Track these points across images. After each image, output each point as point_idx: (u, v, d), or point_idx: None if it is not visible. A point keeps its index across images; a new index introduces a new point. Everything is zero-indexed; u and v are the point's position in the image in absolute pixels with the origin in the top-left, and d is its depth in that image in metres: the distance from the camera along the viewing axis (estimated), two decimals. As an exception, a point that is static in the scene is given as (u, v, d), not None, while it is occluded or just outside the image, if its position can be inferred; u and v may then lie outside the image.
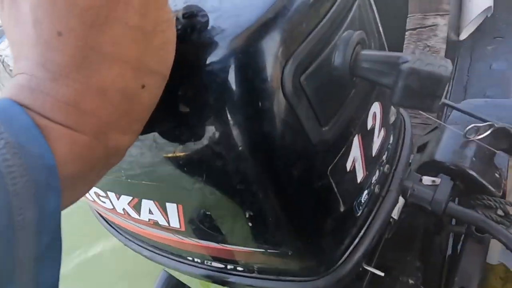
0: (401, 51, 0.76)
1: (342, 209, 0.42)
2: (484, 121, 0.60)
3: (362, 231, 0.48)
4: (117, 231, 0.67)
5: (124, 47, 0.24)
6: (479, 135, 0.59)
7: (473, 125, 0.59)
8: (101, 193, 0.49)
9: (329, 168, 0.38)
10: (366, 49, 0.36)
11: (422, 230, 0.68)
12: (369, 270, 0.55)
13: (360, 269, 0.55)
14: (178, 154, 0.35)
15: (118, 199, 0.48)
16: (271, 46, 0.29)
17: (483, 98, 0.73)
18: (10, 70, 0.52)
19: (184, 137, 0.34)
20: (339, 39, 0.34)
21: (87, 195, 0.53)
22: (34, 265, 0.19)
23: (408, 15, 0.91)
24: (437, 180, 0.55)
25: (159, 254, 0.59)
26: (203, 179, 0.36)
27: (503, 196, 0.65)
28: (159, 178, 0.39)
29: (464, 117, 0.63)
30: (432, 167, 0.60)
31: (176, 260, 0.57)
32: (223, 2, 0.32)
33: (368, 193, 0.47)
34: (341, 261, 0.46)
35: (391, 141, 0.51)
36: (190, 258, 0.55)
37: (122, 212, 0.51)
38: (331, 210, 0.41)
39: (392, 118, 0.50)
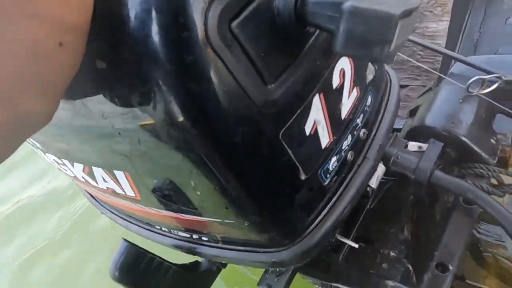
0: None
1: (303, 177, 0.38)
2: (491, 73, 0.53)
3: (332, 201, 0.44)
4: (95, 200, 0.66)
5: (33, 1, 0.20)
6: (484, 89, 0.52)
7: (478, 77, 0.53)
8: (58, 160, 0.47)
9: (281, 132, 0.34)
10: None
11: (415, 201, 0.63)
12: (344, 242, 0.51)
13: (333, 240, 0.51)
14: (108, 118, 0.32)
15: (73, 166, 0.46)
16: (194, 8, 0.24)
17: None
18: None
19: (112, 100, 0.30)
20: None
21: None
22: None
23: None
24: (424, 146, 0.50)
25: (132, 223, 0.58)
26: (139, 145, 0.33)
27: (505, 165, 0.60)
28: (97, 145, 0.36)
29: (465, 74, 0.56)
30: (421, 133, 0.54)
31: (147, 229, 0.55)
32: None
33: (337, 160, 0.42)
34: (307, 232, 0.43)
35: (368, 103, 0.46)
36: (158, 227, 0.53)
37: (83, 180, 0.49)
38: (288, 178, 0.37)
39: (369, 76, 0.45)
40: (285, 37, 0.31)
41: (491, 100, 0.49)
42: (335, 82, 0.38)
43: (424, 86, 0.73)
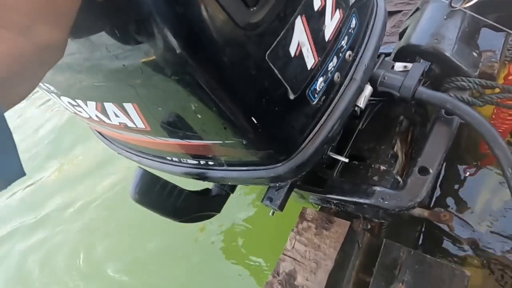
0: None
1: (291, 97, 0.43)
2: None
3: (323, 119, 0.48)
4: (111, 142, 0.71)
5: None
6: (467, 2, 0.54)
7: (460, -7, 0.54)
8: (73, 102, 0.52)
9: (267, 53, 0.37)
10: None
11: (408, 124, 0.67)
12: (337, 159, 0.57)
13: (325, 157, 0.57)
14: (112, 51, 0.36)
15: (86, 105, 0.50)
16: None
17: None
18: None
19: (113, 33, 0.34)
20: None
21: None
22: None
23: None
24: (409, 66, 0.53)
25: (145, 158, 0.64)
26: (141, 74, 0.37)
27: (493, 80, 0.63)
28: (106, 78, 0.41)
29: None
30: (408, 52, 0.57)
31: (159, 162, 0.62)
32: None
33: (324, 81, 0.46)
34: (300, 149, 0.48)
35: (353, 25, 0.48)
36: (169, 158, 0.59)
37: (97, 119, 0.54)
38: (277, 97, 0.41)
39: (351, -1, 0.47)
40: (263, -40, 0.33)
41: (473, 13, 0.51)
42: (316, 4, 0.41)
43: (407, 10, 0.73)
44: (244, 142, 0.44)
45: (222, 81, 0.37)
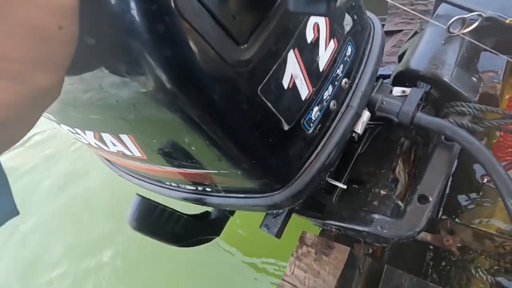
0: None
1: (286, 127, 0.42)
2: (472, 11, 0.53)
3: (319, 148, 0.48)
4: (112, 164, 0.72)
5: None
6: (465, 28, 0.53)
7: (458, 16, 0.53)
8: (72, 130, 0.53)
9: (259, 87, 0.37)
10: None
11: (411, 145, 0.67)
12: (335, 185, 0.56)
13: (323, 183, 0.56)
14: (105, 88, 0.36)
15: (85, 134, 0.51)
16: None
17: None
18: None
19: (104, 72, 0.34)
20: None
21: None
22: None
23: None
24: (407, 90, 0.53)
25: (145, 181, 0.64)
26: (134, 110, 0.37)
27: (496, 101, 0.62)
28: (101, 112, 0.41)
29: (451, 14, 0.57)
30: (406, 77, 0.56)
31: (158, 186, 0.62)
32: None
33: (320, 110, 0.46)
34: (296, 177, 0.48)
35: (349, 53, 0.48)
36: (168, 183, 0.59)
37: (96, 146, 0.55)
38: (272, 129, 0.41)
39: (347, 27, 0.47)
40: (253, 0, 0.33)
41: (471, 39, 0.50)
42: (310, 37, 0.41)
43: (407, 29, 0.73)
44: (239, 173, 0.44)
45: (213, 115, 0.37)
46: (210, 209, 0.69)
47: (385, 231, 0.49)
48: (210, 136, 0.38)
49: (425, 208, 0.49)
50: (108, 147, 0.52)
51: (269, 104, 0.39)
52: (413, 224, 0.48)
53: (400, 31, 0.77)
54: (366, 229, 0.50)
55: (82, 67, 0.35)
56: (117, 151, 0.52)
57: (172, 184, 0.59)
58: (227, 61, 0.33)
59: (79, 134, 0.53)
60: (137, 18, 0.29)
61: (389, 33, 0.79)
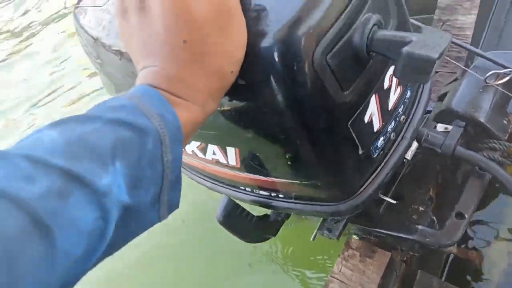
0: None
1: (360, 152, 0.55)
2: (505, 67, 0.66)
3: (378, 169, 0.60)
4: (184, 168, 0.84)
5: (224, 45, 0.36)
6: (499, 80, 0.66)
7: (494, 71, 0.66)
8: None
9: (350, 121, 0.50)
10: (382, 29, 0.45)
11: (439, 169, 0.79)
12: (384, 199, 0.68)
13: (377, 198, 0.68)
14: (236, 112, 0.49)
15: (189, 143, 0.63)
16: (304, 38, 0.40)
17: None
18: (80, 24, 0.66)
19: (241, 99, 0.47)
20: (359, 22, 0.44)
21: None
22: (170, 189, 0.33)
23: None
24: (449, 127, 0.65)
25: (218, 185, 0.76)
26: (254, 131, 0.50)
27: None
28: (221, 129, 0.53)
29: (486, 66, 0.69)
30: (448, 115, 0.69)
31: (232, 190, 0.74)
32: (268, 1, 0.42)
33: (384, 140, 0.58)
34: (359, 191, 0.60)
35: (408, 96, 0.61)
36: (243, 188, 0.71)
37: (191, 153, 0.67)
38: (352, 153, 0.53)
39: (409, 77, 0.59)
40: (357, 61, 0.46)
41: (504, 90, 0.63)
42: (386, 85, 0.53)
43: (451, 72, 0.85)
44: (319, 184, 0.56)
45: (314, 139, 0.49)
46: (268, 211, 0.81)
47: (428, 239, 0.61)
48: (307, 154, 0.51)
49: (461, 223, 0.60)
50: (205, 155, 0.64)
51: (353, 135, 0.51)
52: (451, 235, 0.59)
53: (435, 72, 0.89)
54: (411, 237, 0.62)
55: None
56: (212, 158, 0.64)
57: (247, 189, 0.71)
58: (335, 101, 0.46)
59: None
60: (282, 68, 0.41)
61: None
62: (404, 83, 0.58)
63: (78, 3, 0.76)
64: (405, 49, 0.39)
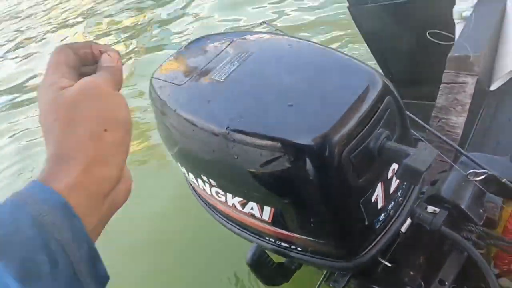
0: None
1: (366, 223, 0.72)
2: (483, 168, 0.85)
3: (379, 238, 0.77)
4: (216, 214, 1.01)
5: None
6: (477, 177, 0.84)
7: (473, 170, 0.85)
8: (221, 192, 0.82)
9: (361, 201, 0.68)
10: (389, 140, 0.64)
11: (428, 240, 0.95)
12: (381, 262, 0.84)
13: (376, 260, 0.84)
14: (280, 184, 0.67)
15: (232, 198, 0.81)
16: (338, 143, 0.59)
17: (490, 151, 0.96)
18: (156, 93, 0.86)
19: (286, 178, 0.65)
20: (375, 133, 0.63)
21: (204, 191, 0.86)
22: (90, 267, 0.30)
23: (445, 71, 1.14)
24: (437, 210, 0.82)
25: (246, 232, 0.92)
26: (291, 198, 0.68)
27: (490, 225, 0.91)
28: (265, 192, 0.71)
29: (469, 164, 0.88)
30: (437, 199, 0.86)
31: (258, 238, 0.90)
32: (305, 116, 0.62)
33: (385, 215, 0.76)
34: (363, 253, 0.76)
35: (405, 183, 0.79)
36: (267, 238, 0.87)
37: (230, 205, 0.84)
38: (359, 223, 0.71)
39: (407, 169, 0.78)
40: (370, 159, 0.65)
41: (481, 186, 0.81)
42: (389, 175, 0.72)
43: (443, 161, 1.05)
44: (332, 243, 0.73)
45: (334, 210, 0.67)
46: (283, 259, 0.96)
47: (414, 300, 0.76)
48: (327, 220, 0.68)
49: (442, 289, 0.76)
50: (243, 208, 0.81)
51: (363, 210, 0.69)
52: (433, 299, 0.75)
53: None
54: (400, 296, 0.77)
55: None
56: (249, 212, 0.81)
57: (271, 239, 0.87)
58: (352, 185, 0.64)
59: (225, 196, 0.83)
60: (314, 165, 0.60)
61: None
62: (403, 173, 0.76)
63: (156, 73, 0.96)
64: (404, 161, 0.58)
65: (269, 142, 0.63)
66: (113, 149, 0.35)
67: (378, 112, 0.63)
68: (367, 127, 0.62)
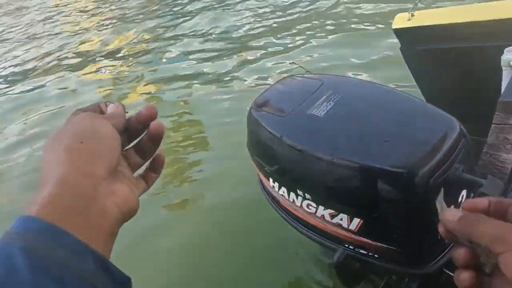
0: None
1: (438, 237, 0.89)
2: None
3: (446, 250, 0.94)
4: (295, 222, 1.20)
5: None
6: None
7: None
8: (313, 205, 1.02)
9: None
10: (463, 173, 0.83)
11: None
12: (446, 272, 1.01)
13: (441, 270, 1.01)
14: (371, 200, 0.86)
15: (324, 210, 1.00)
16: (427, 174, 0.78)
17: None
18: None
19: (376, 196, 0.84)
20: (454, 166, 0.82)
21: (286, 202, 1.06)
22: (103, 275, 0.31)
23: (496, 113, 1.32)
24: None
25: (326, 240, 1.11)
26: (380, 212, 0.87)
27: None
28: (357, 206, 0.90)
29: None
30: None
31: (337, 245, 1.08)
32: (399, 150, 0.81)
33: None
34: (432, 263, 0.93)
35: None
36: (347, 245, 1.05)
37: (319, 216, 1.03)
38: (433, 237, 0.88)
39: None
40: (448, 186, 0.83)
41: None
42: (459, 199, 0.89)
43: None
44: (411, 253, 0.91)
45: (415, 226, 0.85)
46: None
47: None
48: (409, 232, 0.86)
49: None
50: (331, 219, 1.00)
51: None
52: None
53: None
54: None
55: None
56: (336, 222, 1.00)
57: (351, 246, 1.05)
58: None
59: (316, 208, 1.02)
60: (401, 191, 0.79)
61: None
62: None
63: (254, 103, 1.18)
64: (480, 190, 0.76)
65: (370, 169, 0.82)
66: (88, 158, 0.35)
67: (457, 150, 0.83)
68: (450, 159, 0.81)
